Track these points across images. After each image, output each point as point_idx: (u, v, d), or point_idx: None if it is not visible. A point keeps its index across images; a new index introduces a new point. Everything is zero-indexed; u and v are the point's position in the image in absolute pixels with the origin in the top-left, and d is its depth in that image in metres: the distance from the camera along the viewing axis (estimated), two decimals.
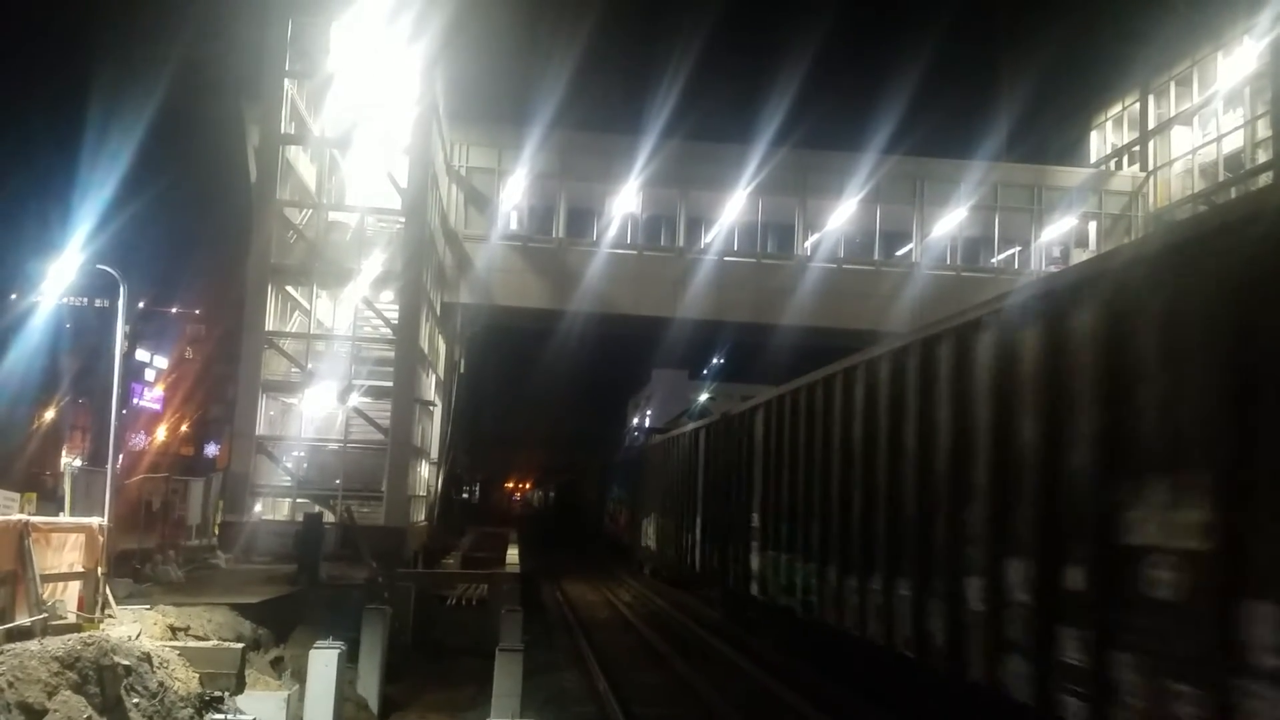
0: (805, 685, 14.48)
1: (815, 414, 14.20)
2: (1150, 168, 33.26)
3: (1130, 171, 33.96)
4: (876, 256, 32.55)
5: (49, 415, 54.10)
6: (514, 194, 31.97)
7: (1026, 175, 33.48)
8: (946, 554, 9.85)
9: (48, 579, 10.91)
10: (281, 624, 14.01)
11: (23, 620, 10.15)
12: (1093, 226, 33.78)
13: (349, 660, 12.59)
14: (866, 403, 12.23)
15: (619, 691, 14.50)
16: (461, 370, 36.49)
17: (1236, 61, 29.66)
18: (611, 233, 32.02)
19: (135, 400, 61.84)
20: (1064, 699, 7.84)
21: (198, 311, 70.45)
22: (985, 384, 9.31)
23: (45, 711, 8.05)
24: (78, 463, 44.69)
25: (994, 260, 33.39)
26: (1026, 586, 8.39)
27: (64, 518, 14.17)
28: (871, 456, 11.97)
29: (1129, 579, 7.12)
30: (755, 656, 17.11)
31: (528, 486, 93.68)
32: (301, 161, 27.43)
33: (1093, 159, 35.80)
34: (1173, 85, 32.43)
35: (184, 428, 63.89)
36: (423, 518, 30.31)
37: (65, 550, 11.33)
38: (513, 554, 28.70)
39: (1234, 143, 30.22)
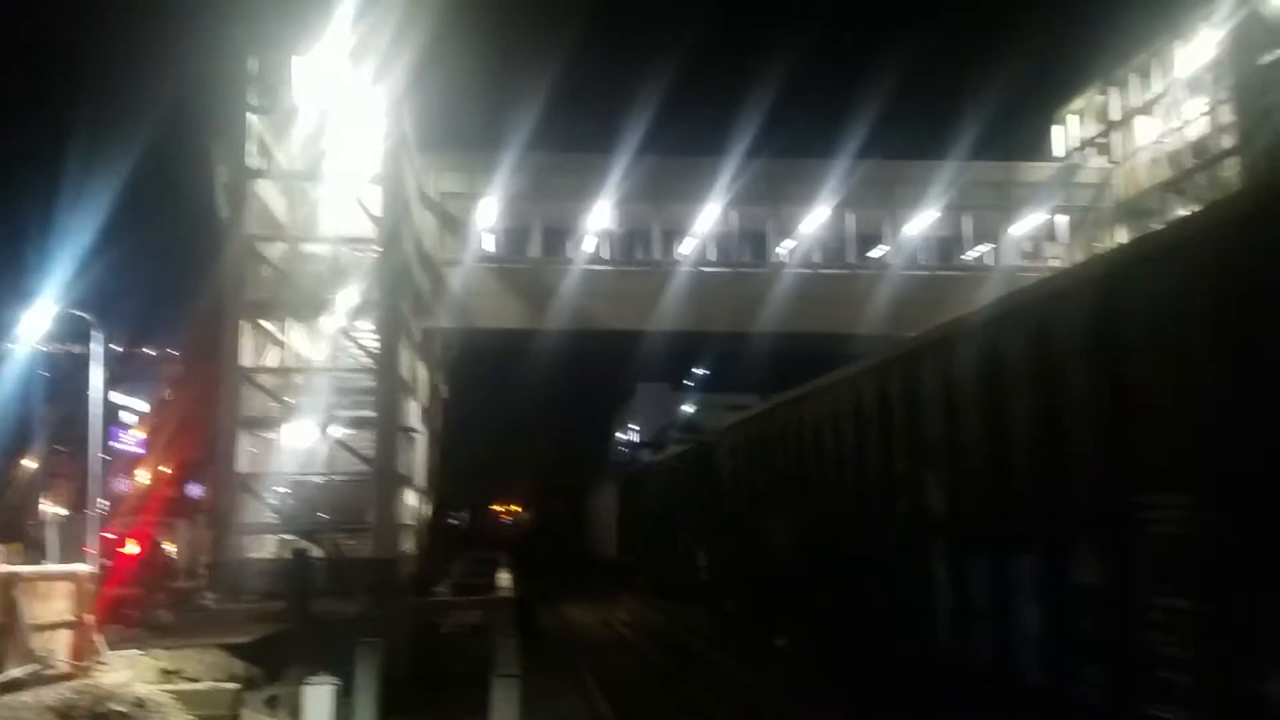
0: (802, 690, 14.52)
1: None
2: (1117, 159, 33.52)
3: (1097, 164, 34.19)
4: (850, 260, 32.62)
5: (27, 464, 53.29)
6: (488, 217, 31.86)
7: (995, 173, 33.59)
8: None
9: (38, 629, 10.76)
10: (274, 662, 13.83)
11: (15, 672, 10.00)
12: (1062, 220, 34.01)
13: (344, 695, 12.42)
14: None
15: (620, 713, 14.40)
16: (444, 395, 36.30)
17: (1195, 49, 29.95)
18: (587, 250, 31.95)
19: (113, 444, 61.00)
20: None
21: (173, 352, 69.57)
22: None
23: None
24: (56, 510, 44.09)
25: (966, 257, 33.53)
26: None
27: (49, 566, 14.00)
28: None
29: None
30: (757, 667, 17.09)
31: (516, 509, 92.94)
32: (272, 195, 27.30)
33: (1060, 153, 36.00)
34: (1133, 76, 32.70)
35: (166, 470, 63.13)
36: (412, 547, 30.08)
37: (54, 599, 11.18)
38: (505, 578, 28.44)
39: (1200, 129, 30.41)
